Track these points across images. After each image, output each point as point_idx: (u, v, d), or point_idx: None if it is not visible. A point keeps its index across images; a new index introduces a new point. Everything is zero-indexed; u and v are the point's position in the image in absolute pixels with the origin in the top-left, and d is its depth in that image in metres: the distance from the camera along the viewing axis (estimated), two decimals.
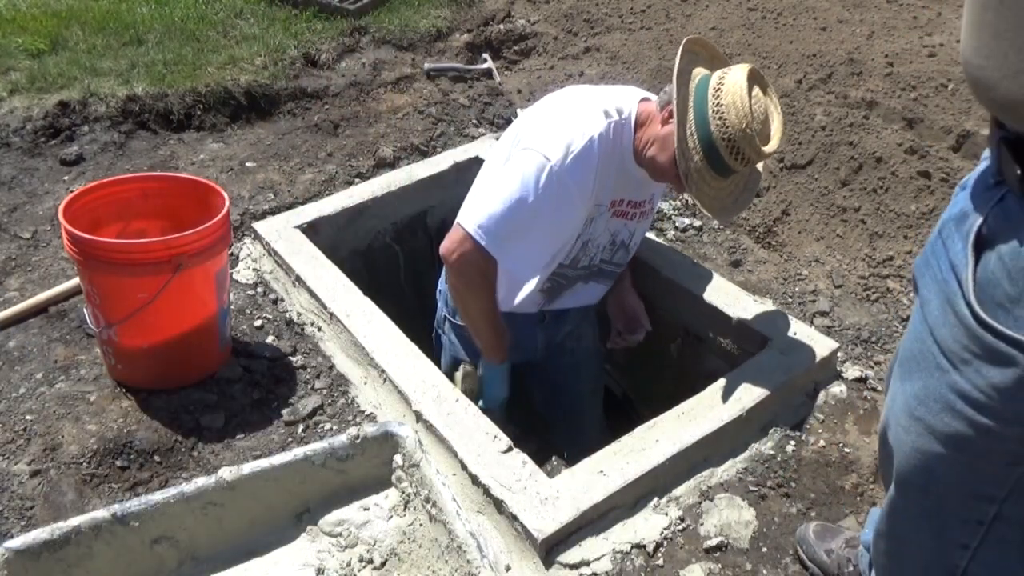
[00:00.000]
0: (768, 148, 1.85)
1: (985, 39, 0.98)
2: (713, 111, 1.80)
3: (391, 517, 1.65)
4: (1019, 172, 0.98)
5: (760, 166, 2.04)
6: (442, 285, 2.32)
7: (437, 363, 2.22)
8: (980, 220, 1.05)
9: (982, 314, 1.00)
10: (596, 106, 1.96)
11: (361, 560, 1.59)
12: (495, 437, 1.87)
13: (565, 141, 1.90)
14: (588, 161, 1.91)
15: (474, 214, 1.92)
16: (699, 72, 1.91)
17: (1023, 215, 0.99)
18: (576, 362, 2.48)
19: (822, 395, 2.12)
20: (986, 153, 1.12)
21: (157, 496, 1.51)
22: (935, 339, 1.09)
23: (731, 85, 1.80)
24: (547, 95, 2.15)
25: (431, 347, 2.36)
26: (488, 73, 3.76)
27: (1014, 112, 0.97)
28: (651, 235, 2.66)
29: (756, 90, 1.83)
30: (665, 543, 1.75)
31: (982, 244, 1.04)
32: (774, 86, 3.09)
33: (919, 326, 1.15)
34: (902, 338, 1.34)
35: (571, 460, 2.50)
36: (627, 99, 2.01)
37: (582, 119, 1.94)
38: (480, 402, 2.15)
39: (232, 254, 2.60)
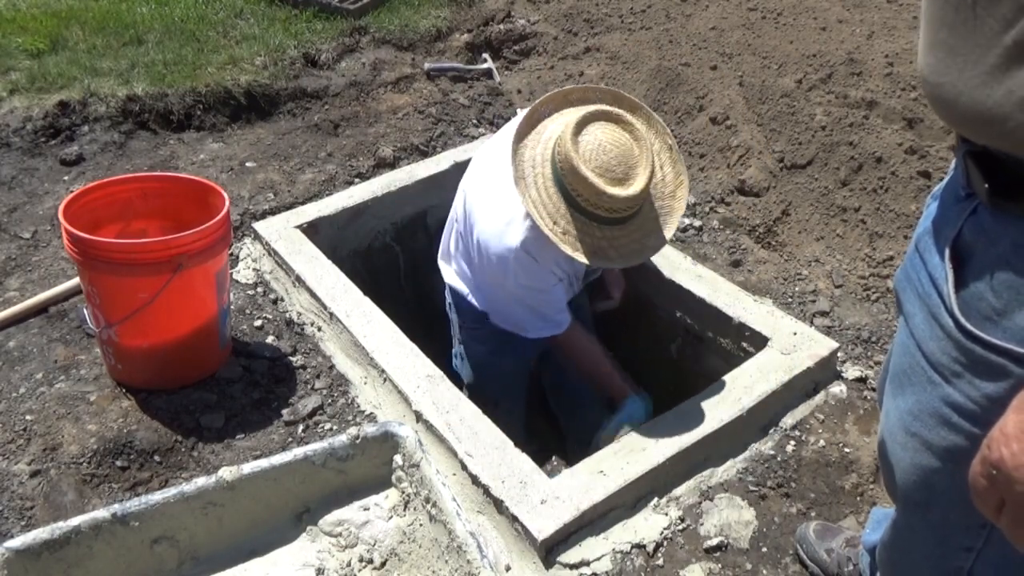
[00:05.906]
0: (621, 191, 1.73)
1: (940, 56, 0.97)
2: (556, 161, 1.80)
3: (391, 517, 1.65)
4: (987, 186, 0.98)
5: (682, 194, 1.94)
6: (450, 298, 2.35)
7: (459, 385, 2.19)
8: (955, 233, 1.04)
9: (969, 326, 1.00)
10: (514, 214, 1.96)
11: (361, 560, 1.59)
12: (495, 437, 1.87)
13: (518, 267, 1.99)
14: (541, 270, 2.00)
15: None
16: (561, 120, 1.89)
17: (997, 227, 0.98)
18: None
19: (822, 395, 2.12)
20: (954, 162, 1.12)
21: (157, 496, 1.50)
22: (923, 353, 1.09)
23: (560, 130, 1.80)
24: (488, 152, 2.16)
25: (431, 347, 2.36)
26: (488, 73, 3.76)
27: (973, 127, 0.97)
28: None
29: (597, 128, 1.76)
30: (665, 543, 1.75)
31: (959, 256, 1.04)
32: (774, 86, 3.11)
33: (906, 340, 1.15)
34: (888, 353, 1.34)
35: (572, 456, 2.50)
36: None
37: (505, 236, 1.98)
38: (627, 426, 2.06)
39: (232, 254, 2.60)
